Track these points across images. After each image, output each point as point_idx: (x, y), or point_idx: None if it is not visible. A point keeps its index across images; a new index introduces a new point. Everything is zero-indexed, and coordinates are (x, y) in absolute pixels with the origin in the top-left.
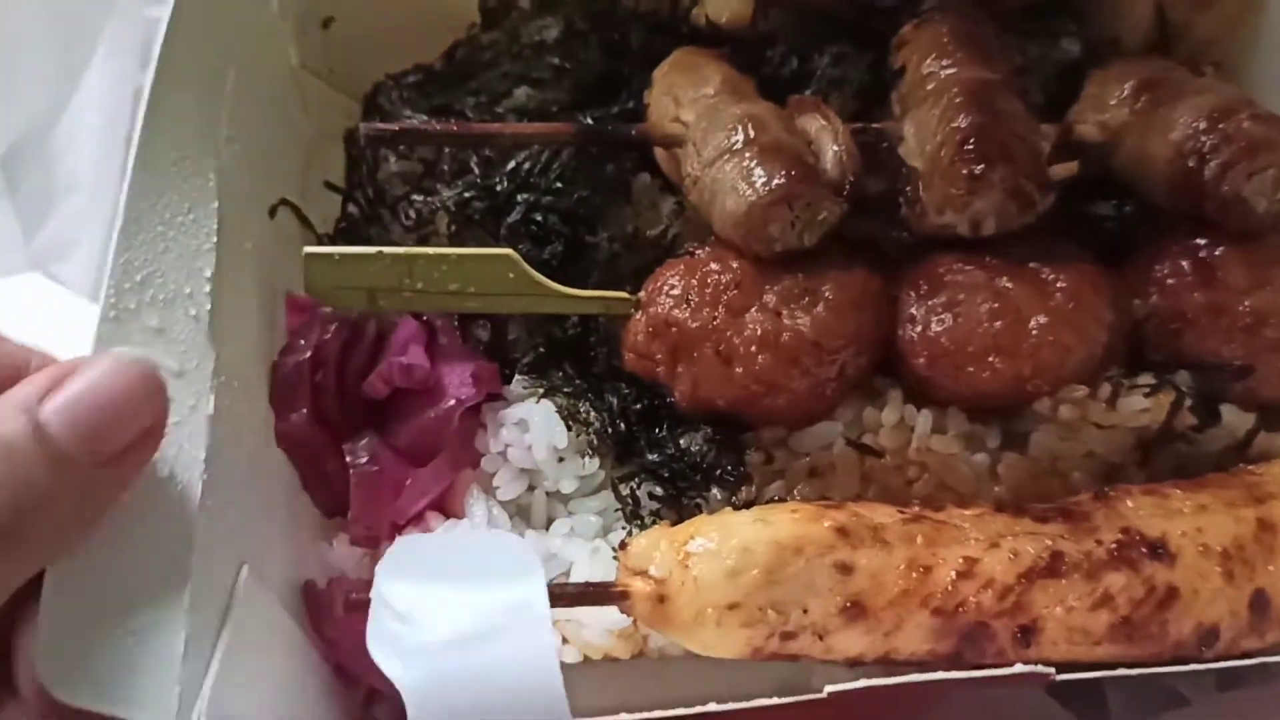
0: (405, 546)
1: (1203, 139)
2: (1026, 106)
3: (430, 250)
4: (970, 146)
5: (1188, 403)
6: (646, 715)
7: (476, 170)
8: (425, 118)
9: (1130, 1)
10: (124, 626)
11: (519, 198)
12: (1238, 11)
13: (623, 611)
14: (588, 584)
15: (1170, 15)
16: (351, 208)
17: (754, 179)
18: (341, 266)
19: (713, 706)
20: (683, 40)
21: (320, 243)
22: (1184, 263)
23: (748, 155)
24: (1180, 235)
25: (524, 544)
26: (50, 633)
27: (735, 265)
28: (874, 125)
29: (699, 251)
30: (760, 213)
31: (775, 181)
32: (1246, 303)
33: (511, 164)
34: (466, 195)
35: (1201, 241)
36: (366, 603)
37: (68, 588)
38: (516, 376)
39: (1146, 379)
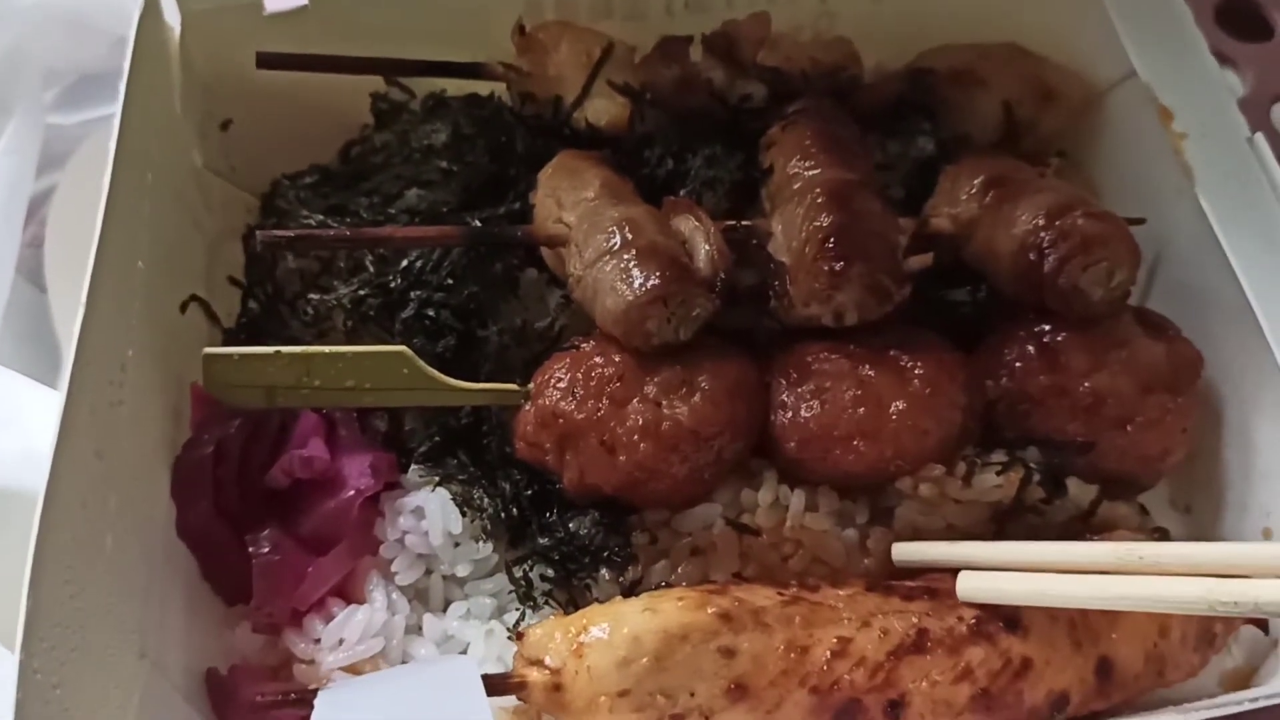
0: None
1: (1042, 235)
2: (885, 202)
3: (326, 349)
4: (831, 245)
5: (1036, 478)
6: None
7: (371, 268)
8: (322, 217)
9: (980, 101)
10: None
11: (412, 294)
12: (1079, 107)
13: (520, 699)
14: (487, 676)
15: (1018, 112)
16: (252, 303)
17: (631, 279)
18: (240, 366)
19: None
20: (565, 142)
21: (225, 337)
22: (1029, 348)
23: (625, 257)
24: (1026, 321)
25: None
26: None
27: (617, 358)
28: (744, 223)
29: (584, 345)
30: (638, 311)
31: (651, 282)
32: (1087, 384)
33: (404, 262)
34: (361, 293)
35: (1045, 327)
36: (275, 703)
37: None
38: (413, 466)
39: (999, 456)
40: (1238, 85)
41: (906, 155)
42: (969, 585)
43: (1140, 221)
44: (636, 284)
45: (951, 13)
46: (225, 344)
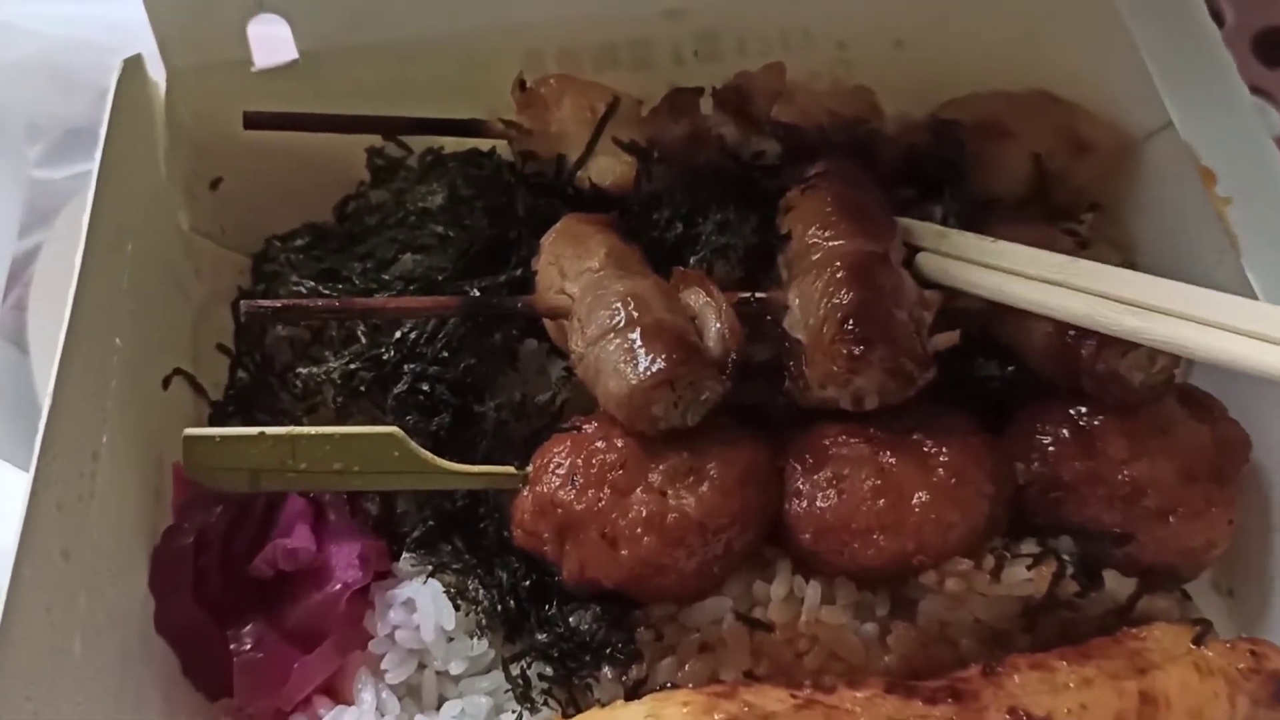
0: None
1: None
2: (910, 274)
3: (312, 430)
4: (851, 326)
5: (1069, 572)
6: None
7: (364, 338)
8: (313, 283)
9: (1009, 154)
10: None
11: (406, 367)
12: (1113, 156)
13: None
14: None
15: (1049, 165)
16: (241, 373)
17: (636, 361)
18: (222, 448)
19: None
20: (569, 202)
21: (213, 410)
22: (1064, 431)
23: (630, 336)
24: (1060, 402)
25: None
26: None
27: (620, 443)
28: (759, 295)
29: (585, 426)
30: (642, 396)
31: (657, 364)
32: (1125, 472)
33: (398, 333)
34: (352, 366)
35: (1081, 410)
36: None
37: None
38: (405, 554)
39: (1030, 547)
40: (1276, 120)
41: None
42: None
43: None
44: (641, 366)
45: (977, 57)
46: (213, 418)
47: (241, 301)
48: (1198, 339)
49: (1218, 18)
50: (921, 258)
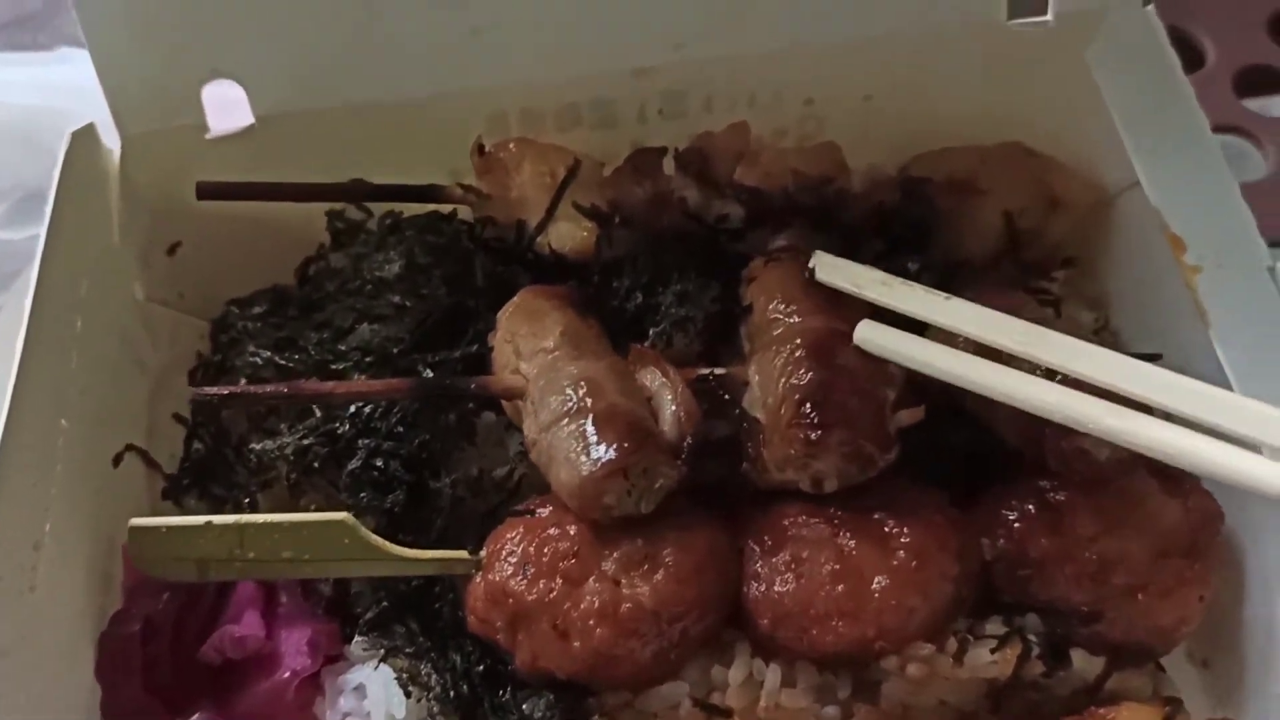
0: None
1: None
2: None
3: (260, 518)
4: (808, 410)
5: (1035, 652)
6: None
7: (319, 412)
8: (269, 354)
9: (980, 212)
10: None
11: (360, 443)
12: (1088, 212)
13: None
14: None
15: (1021, 223)
16: (197, 444)
17: (587, 450)
18: (169, 539)
19: None
20: (530, 268)
21: (168, 484)
22: (1030, 507)
23: (581, 423)
24: (1028, 476)
25: None
26: None
27: (573, 530)
28: (717, 372)
29: (540, 510)
30: (594, 486)
31: (608, 454)
32: (1093, 550)
33: (353, 407)
34: (306, 443)
35: (1048, 485)
36: None
37: None
38: (357, 637)
39: (995, 628)
40: (1259, 161)
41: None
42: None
43: (1156, 357)
44: (593, 455)
45: (948, 111)
46: (166, 492)
47: (192, 390)
48: (1181, 444)
49: (1199, 56)
50: (862, 329)
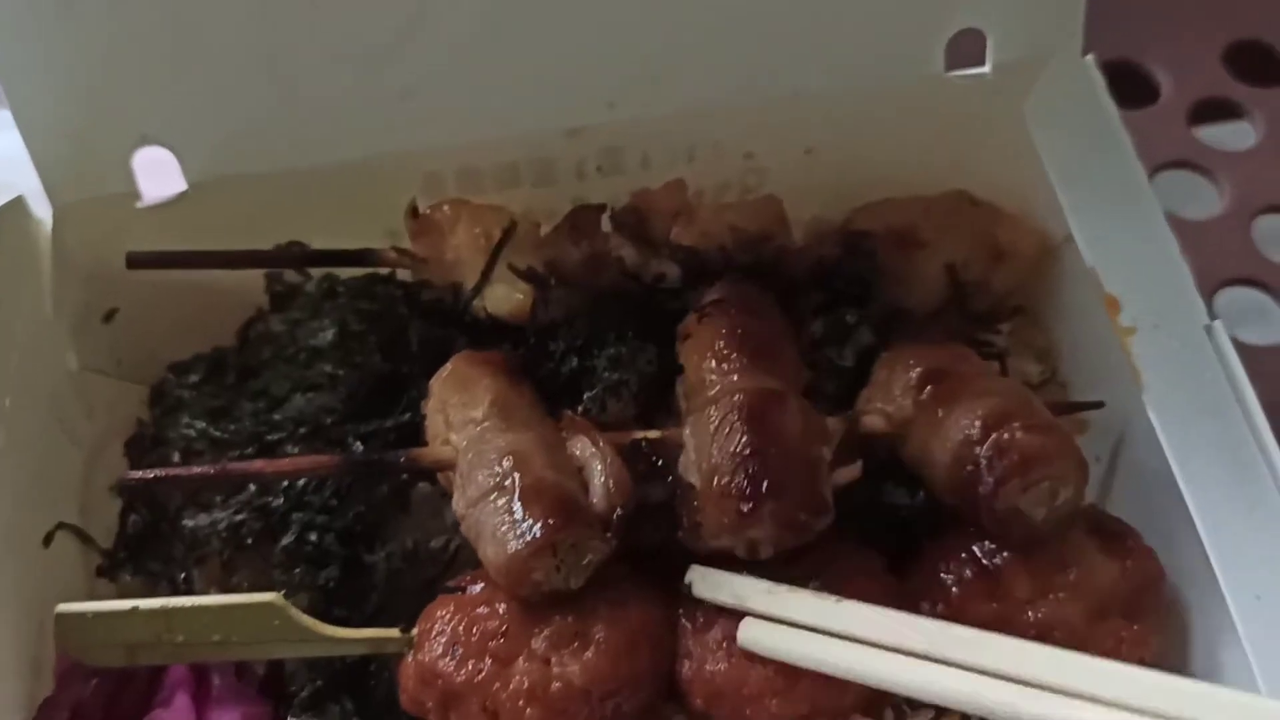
0: None
1: (977, 450)
2: (810, 406)
3: (188, 602)
4: (740, 479)
5: None
6: None
7: (253, 486)
8: (203, 424)
9: (922, 266)
10: None
11: (294, 516)
12: (1032, 260)
13: None
14: None
15: (965, 275)
16: (134, 516)
17: (515, 527)
18: (96, 624)
19: None
20: (467, 331)
21: (104, 560)
22: (967, 571)
23: (508, 499)
24: (965, 537)
25: None
26: None
27: (503, 609)
28: (651, 437)
29: (471, 587)
30: (521, 564)
31: (535, 531)
32: (1031, 613)
33: (286, 479)
34: (239, 518)
35: (985, 546)
36: None
37: None
38: (289, 718)
39: None
40: (1212, 196)
41: (839, 339)
42: (749, 634)
43: (1098, 405)
44: (520, 532)
45: (890, 162)
46: (103, 569)
47: (119, 477)
48: None
49: (1153, 90)
50: (745, 626)
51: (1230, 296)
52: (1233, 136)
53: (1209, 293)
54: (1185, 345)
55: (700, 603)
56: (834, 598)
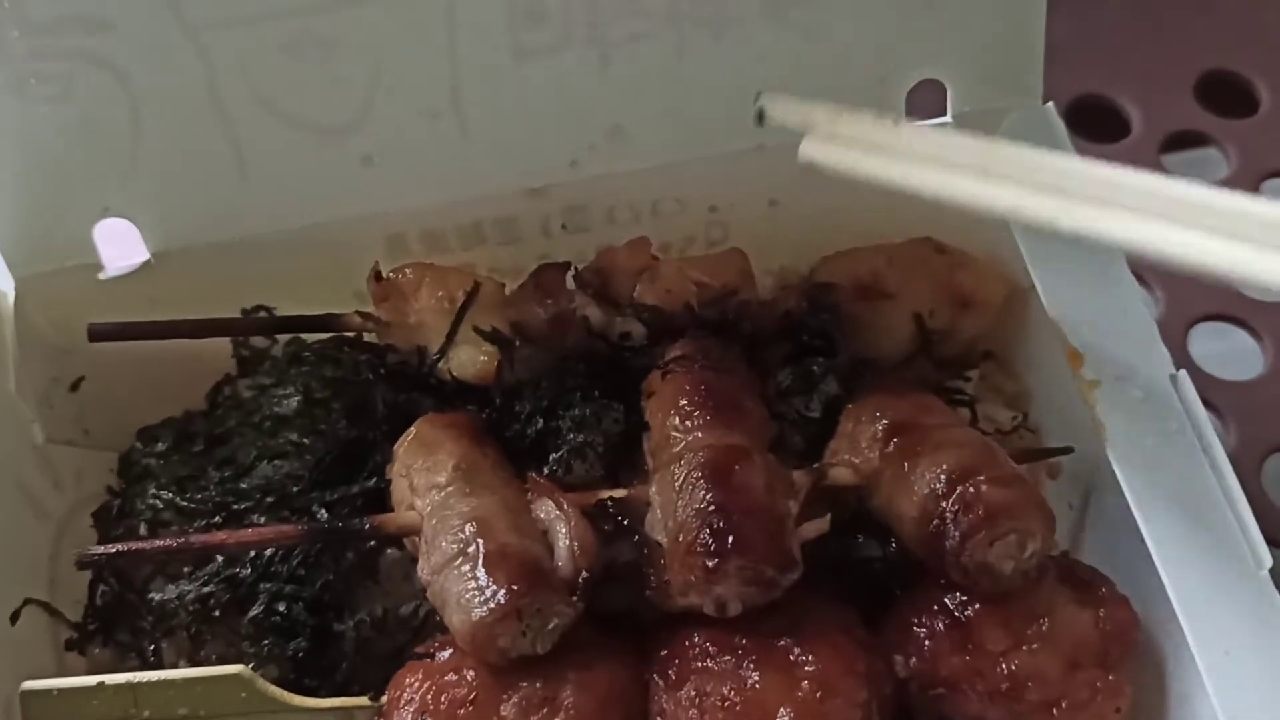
0: None
1: (942, 504)
2: (775, 461)
3: (154, 676)
4: (706, 536)
5: None
6: None
7: (220, 557)
8: (170, 494)
9: (888, 316)
10: None
11: (262, 587)
12: (999, 306)
13: None
14: None
15: (932, 324)
16: (104, 586)
17: (480, 594)
18: (62, 701)
19: None
20: (433, 394)
21: (73, 632)
22: (939, 624)
23: (472, 565)
24: (935, 591)
25: None
26: None
27: (471, 676)
28: (616, 496)
29: (440, 653)
30: (486, 630)
31: (499, 598)
32: (1004, 665)
33: (253, 550)
34: (206, 590)
35: (957, 598)
36: None
37: None
38: None
39: None
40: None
41: (806, 389)
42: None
43: (1068, 451)
44: (484, 598)
45: (855, 206)
46: (72, 642)
47: (77, 553)
48: (1163, 238)
49: (1125, 124)
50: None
51: (1205, 331)
52: (1204, 169)
53: (1184, 329)
54: (1149, 397)
55: (671, 656)
56: (891, 119)
